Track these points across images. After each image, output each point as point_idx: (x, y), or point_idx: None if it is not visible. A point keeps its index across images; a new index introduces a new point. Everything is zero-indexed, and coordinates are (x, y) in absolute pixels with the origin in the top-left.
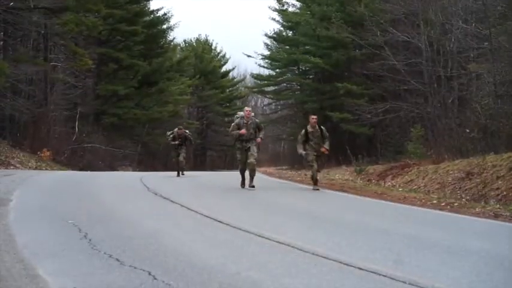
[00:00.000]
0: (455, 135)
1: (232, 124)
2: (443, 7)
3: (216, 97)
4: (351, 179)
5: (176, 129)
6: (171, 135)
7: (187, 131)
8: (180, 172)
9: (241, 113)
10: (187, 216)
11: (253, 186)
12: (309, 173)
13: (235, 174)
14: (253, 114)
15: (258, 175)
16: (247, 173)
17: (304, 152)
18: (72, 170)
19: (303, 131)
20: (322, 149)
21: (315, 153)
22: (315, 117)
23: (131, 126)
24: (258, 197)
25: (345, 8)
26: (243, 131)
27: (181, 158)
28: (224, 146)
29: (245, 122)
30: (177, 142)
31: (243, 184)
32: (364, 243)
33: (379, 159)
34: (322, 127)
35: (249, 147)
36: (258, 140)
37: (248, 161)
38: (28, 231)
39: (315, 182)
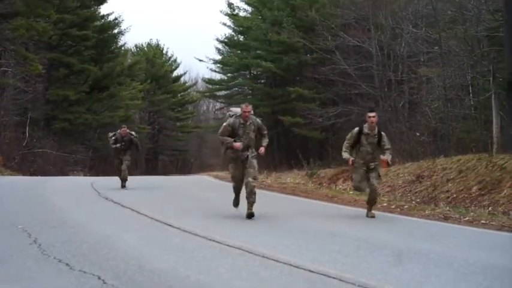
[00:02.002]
0: (405, 139)
1: (224, 125)
2: (394, 12)
3: (167, 102)
4: (302, 183)
5: (119, 130)
6: (113, 138)
7: (133, 133)
8: (122, 182)
9: (236, 110)
10: (138, 221)
11: (252, 214)
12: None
13: (187, 179)
14: (252, 112)
15: (209, 179)
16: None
17: (349, 157)
18: (23, 175)
19: (355, 130)
20: (383, 160)
21: (365, 167)
22: (374, 114)
23: (82, 131)
24: (209, 201)
25: (296, 13)
26: (238, 144)
27: (124, 167)
28: (176, 150)
29: (242, 122)
30: (118, 145)
31: (236, 203)
32: (314, 246)
33: (331, 162)
34: (382, 133)
35: (247, 158)
36: (261, 149)
37: (245, 180)
38: None
39: (370, 205)
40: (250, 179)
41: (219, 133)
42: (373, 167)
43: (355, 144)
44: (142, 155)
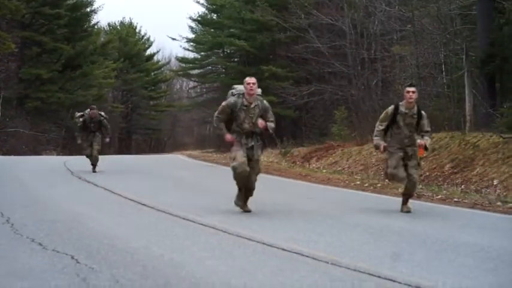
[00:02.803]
0: (379, 117)
1: (223, 104)
2: None
3: (140, 80)
4: (275, 161)
5: (88, 111)
6: (81, 119)
7: (102, 113)
8: (93, 167)
9: (239, 87)
10: (111, 200)
11: (249, 211)
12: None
13: (160, 158)
14: (260, 91)
15: (182, 158)
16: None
17: (381, 143)
18: None
19: (390, 109)
20: (420, 144)
21: (402, 153)
22: (413, 89)
23: (55, 110)
24: (182, 180)
25: None
26: (229, 137)
27: (95, 152)
28: (149, 129)
29: (245, 104)
30: (82, 124)
31: (240, 201)
32: (287, 224)
33: (304, 141)
34: (423, 112)
35: (253, 148)
36: (271, 125)
37: (251, 170)
38: None
39: (407, 198)
40: (255, 177)
41: (215, 114)
42: (411, 153)
43: (389, 126)
44: (115, 134)
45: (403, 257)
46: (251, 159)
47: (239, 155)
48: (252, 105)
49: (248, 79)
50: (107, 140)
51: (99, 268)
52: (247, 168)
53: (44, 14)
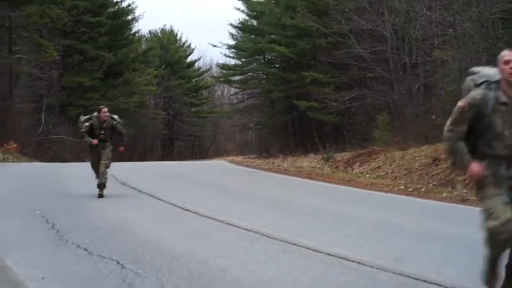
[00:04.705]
0: (421, 122)
1: (459, 105)
2: None
3: (182, 87)
4: (318, 167)
5: (96, 113)
6: (86, 124)
7: (115, 117)
8: (99, 190)
9: (486, 71)
10: (155, 206)
11: None
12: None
13: (203, 164)
14: None
15: (225, 164)
16: None
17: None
18: (40, 161)
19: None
20: None
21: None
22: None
23: None
24: (226, 186)
25: None
26: (477, 168)
27: (102, 168)
28: (191, 136)
29: (503, 101)
30: (88, 129)
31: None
32: (332, 229)
33: (346, 146)
34: None
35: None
36: None
37: None
38: None
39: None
40: None
41: (447, 126)
42: None
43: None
44: (158, 141)
45: (449, 261)
46: None
47: (499, 204)
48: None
49: (508, 53)
50: (122, 149)
51: (145, 273)
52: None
53: (86, 22)
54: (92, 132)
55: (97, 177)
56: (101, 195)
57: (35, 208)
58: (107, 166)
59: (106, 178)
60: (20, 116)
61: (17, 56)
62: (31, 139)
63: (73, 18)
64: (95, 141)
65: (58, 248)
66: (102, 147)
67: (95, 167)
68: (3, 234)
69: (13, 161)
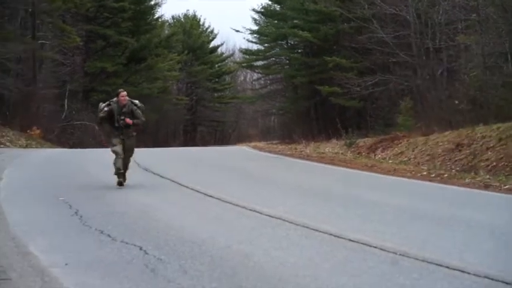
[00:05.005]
0: (444, 107)
1: None
2: None
3: (205, 73)
4: (341, 152)
5: (115, 98)
6: (105, 108)
7: (136, 102)
8: (119, 180)
9: None
10: (177, 191)
11: None
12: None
13: (225, 150)
14: None
15: (248, 150)
16: None
17: None
18: (63, 147)
19: None
20: None
21: None
22: None
23: None
24: (249, 172)
25: None
26: None
27: (126, 159)
28: (214, 121)
29: None
30: (107, 114)
31: None
32: (354, 215)
33: (369, 132)
34: None
35: None
36: None
37: None
38: (19, 209)
39: None
40: None
41: None
42: None
43: None
44: (180, 126)
45: (471, 247)
46: None
47: None
48: None
49: None
50: (128, 120)
51: (168, 259)
52: None
53: (108, 7)
54: (111, 118)
55: (118, 166)
56: (120, 184)
57: (58, 194)
58: (131, 155)
59: (127, 167)
60: (44, 102)
61: (40, 41)
62: (54, 125)
63: (96, 4)
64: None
65: (81, 234)
66: (125, 135)
67: (117, 149)
68: (26, 220)
69: (36, 147)
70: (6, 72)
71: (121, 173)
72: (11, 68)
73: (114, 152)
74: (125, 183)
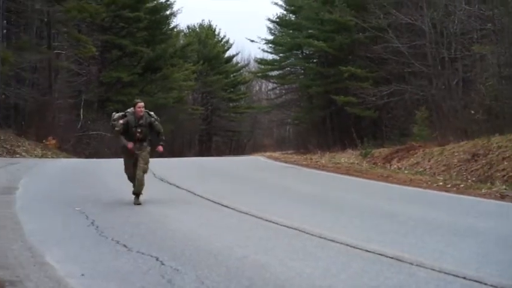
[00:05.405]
0: (460, 117)
1: None
2: None
3: (220, 82)
4: (356, 163)
5: (131, 109)
6: (121, 121)
7: (152, 114)
8: (135, 196)
9: None
10: (193, 202)
11: None
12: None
13: (241, 160)
14: None
15: (263, 160)
16: None
17: None
18: (78, 157)
19: None
20: None
21: None
22: None
23: None
24: (264, 182)
25: None
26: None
27: (140, 174)
28: (229, 131)
29: None
30: (122, 128)
31: None
32: (370, 226)
33: (385, 142)
34: None
35: None
36: None
37: None
38: (35, 219)
39: None
40: None
41: None
42: None
43: None
44: (195, 136)
45: (488, 258)
46: None
47: None
48: None
49: None
50: (161, 149)
51: (184, 270)
52: None
53: (124, 17)
54: (127, 130)
55: (132, 182)
56: (138, 203)
57: (74, 204)
58: (145, 171)
59: (143, 185)
60: (59, 112)
61: (56, 51)
62: (70, 135)
63: (111, 13)
64: (130, 145)
65: (98, 244)
66: (138, 149)
67: (129, 171)
68: (43, 230)
69: (52, 157)
70: (21, 82)
71: (138, 193)
72: (27, 78)
73: (126, 174)
74: (140, 198)
